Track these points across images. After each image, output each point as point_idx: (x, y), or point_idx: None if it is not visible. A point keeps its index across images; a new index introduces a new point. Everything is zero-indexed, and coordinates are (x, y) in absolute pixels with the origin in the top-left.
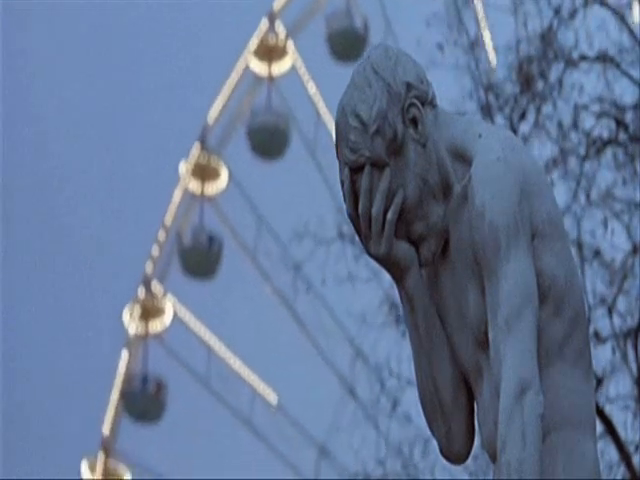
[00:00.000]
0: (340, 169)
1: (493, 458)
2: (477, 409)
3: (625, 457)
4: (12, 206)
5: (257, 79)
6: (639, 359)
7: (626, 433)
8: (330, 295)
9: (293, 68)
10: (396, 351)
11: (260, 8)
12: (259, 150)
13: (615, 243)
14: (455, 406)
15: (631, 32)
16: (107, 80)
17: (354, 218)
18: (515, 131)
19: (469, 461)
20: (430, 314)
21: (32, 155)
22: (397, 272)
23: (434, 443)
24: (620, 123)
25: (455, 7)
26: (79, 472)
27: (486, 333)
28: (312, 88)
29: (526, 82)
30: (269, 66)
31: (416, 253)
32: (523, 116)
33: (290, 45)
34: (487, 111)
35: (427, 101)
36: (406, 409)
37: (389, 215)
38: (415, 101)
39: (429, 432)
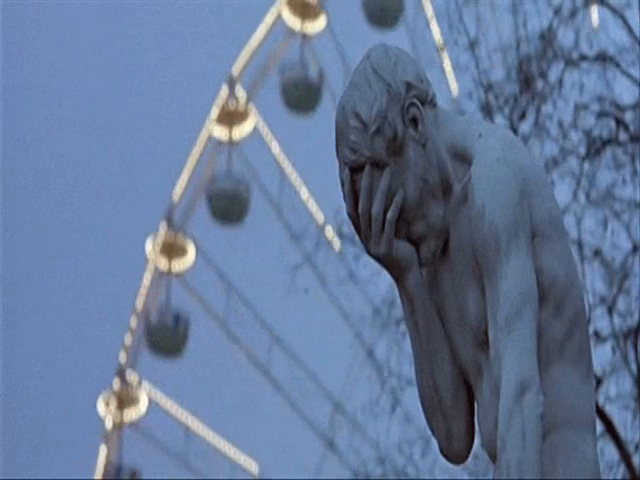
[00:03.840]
0: (340, 169)
1: (493, 458)
2: (477, 409)
3: (625, 457)
4: (12, 206)
5: (219, 145)
6: (639, 359)
7: (626, 433)
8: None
9: (255, 130)
10: (396, 351)
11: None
12: (219, 216)
13: (615, 243)
14: (455, 406)
15: (631, 32)
16: (107, 79)
17: (354, 218)
18: (515, 131)
19: (469, 461)
20: (430, 314)
21: (32, 154)
22: (397, 272)
23: (434, 443)
24: (620, 123)
25: (456, 6)
26: (79, 472)
27: (486, 333)
28: (275, 148)
29: (526, 82)
30: (230, 131)
31: (416, 253)
32: (523, 116)
33: (251, 108)
34: (487, 111)
35: (427, 100)
36: (406, 409)
37: (389, 215)
38: (415, 101)
39: (429, 432)
